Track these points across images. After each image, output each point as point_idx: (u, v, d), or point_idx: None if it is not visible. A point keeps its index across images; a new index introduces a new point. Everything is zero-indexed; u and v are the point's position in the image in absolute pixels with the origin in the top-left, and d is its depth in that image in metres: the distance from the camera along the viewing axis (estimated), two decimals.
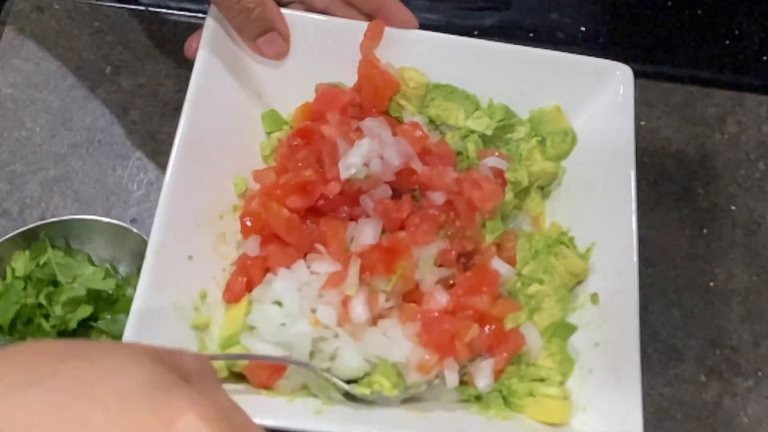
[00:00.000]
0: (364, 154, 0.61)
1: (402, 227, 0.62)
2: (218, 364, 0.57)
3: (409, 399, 0.59)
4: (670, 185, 0.80)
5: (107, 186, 0.75)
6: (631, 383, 0.57)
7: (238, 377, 0.59)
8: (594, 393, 0.59)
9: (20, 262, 0.65)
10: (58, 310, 0.62)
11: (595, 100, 0.68)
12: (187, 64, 0.64)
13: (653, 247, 0.76)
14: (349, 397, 0.58)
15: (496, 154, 0.69)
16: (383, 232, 0.62)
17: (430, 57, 0.68)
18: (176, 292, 0.58)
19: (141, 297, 0.56)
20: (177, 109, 0.63)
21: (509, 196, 0.66)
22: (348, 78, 0.68)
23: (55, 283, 0.64)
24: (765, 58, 0.87)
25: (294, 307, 0.59)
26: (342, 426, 0.54)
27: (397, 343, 0.59)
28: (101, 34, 0.81)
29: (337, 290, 0.59)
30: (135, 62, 0.80)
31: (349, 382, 0.58)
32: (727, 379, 0.72)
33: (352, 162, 0.61)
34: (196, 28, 0.66)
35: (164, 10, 0.83)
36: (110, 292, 0.64)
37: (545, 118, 0.69)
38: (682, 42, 0.87)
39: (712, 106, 0.84)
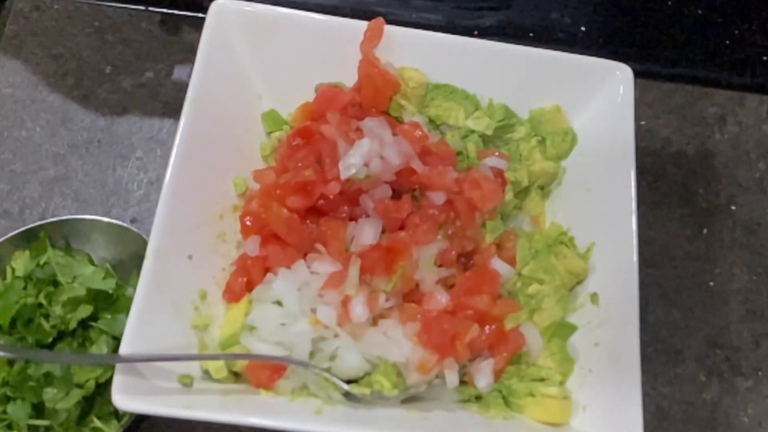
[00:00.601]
0: (364, 154, 0.61)
1: (402, 227, 0.62)
2: (218, 364, 0.57)
3: (409, 399, 0.59)
4: (670, 185, 0.80)
5: (107, 186, 0.75)
6: (631, 383, 0.57)
7: (238, 377, 0.59)
8: (594, 393, 0.59)
9: (20, 262, 0.65)
10: (58, 309, 0.62)
11: (595, 100, 0.68)
12: (188, 64, 0.64)
13: (653, 247, 0.76)
14: (349, 397, 0.58)
15: (496, 154, 0.69)
16: (383, 232, 0.62)
17: (430, 57, 0.68)
18: (176, 292, 0.58)
19: (141, 297, 0.56)
20: (177, 109, 0.63)
21: (509, 196, 0.66)
22: (348, 78, 0.68)
23: (55, 283, 0.64)
24: (765, 58, 0.87)
25: (294, 307, 0.59)
26: (342, 426, 0.54)
27: (397, 343, 0.59)
28: (101, 34, 0.81)
29: (337, 290, 0.59)
30: (135, 62, 0.80)
31: (349, 382, 0.58)
32: (727, 379, 0.72)
33: (352, 162, 0.61)
34: (196, 27, 0.66)
35: (164, 10, 0.83)
36: (110, 292, 0.64)
37: (545, 118, 0.69)
38: (682, 42, 0.87)
39: (712, 106, 0.84)
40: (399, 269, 0.60)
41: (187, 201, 0.60)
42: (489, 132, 0.69)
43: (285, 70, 0.68)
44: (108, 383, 0.57)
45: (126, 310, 0.55)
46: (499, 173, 0.67)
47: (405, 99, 0.68)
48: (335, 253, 0.61)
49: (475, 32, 0.85)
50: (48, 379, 0.60)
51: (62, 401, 0.60)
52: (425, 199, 0.64)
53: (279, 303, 0.60)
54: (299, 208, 0.62)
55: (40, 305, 0.63)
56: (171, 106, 0.78)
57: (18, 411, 0.60)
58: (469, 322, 0.59)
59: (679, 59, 0.87)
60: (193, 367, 0.57)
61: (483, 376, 0.60)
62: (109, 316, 0.63)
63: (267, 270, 0.62)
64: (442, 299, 0.60)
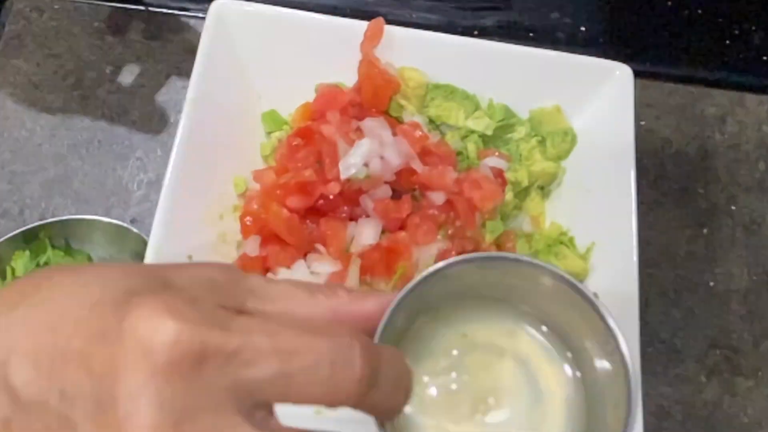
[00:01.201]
0: (364, 154, 0.61)
1: (402, 227, 0.62)
2: None
3: None
4: (670, 185, 0.80)
5: (107, 186, 0.75)
6: None
7: None
8: None
9: (20, 262, 0.65)
10: None
11: (595, 100, 0.68)
12: (188, 64, 0.64)
13: (653, 247, 0.76)
14: None
15: (496, 154, 0.69)
16: (383, 232, 0.62)
17: (430, 57, 0.68)
18: None
19: None
20: (177, 110, 0.63)
21: (509, 196, 0.66)
22: (348, 78, 0.68)
23: None
24: (765, 58, 0.87)
25: None
26: (342, 426, 0.54)
27: None
28: (101, 34, 0.81)
29: None
30: (135, 62, 0.80)
31: None
32: (727, 379, 0.72)
33: (352, 162, 0.61)
34: (196, 27, 0.66)
35: (164, 10, 0.83)
36: None
37: (545, 118, 0.69)
38: (682, 42, 0.87)
39: (712, 106, 0.84)
40: (399, 269, 0.60)
41: (187, 201, 0.60)
42: (489, 132, 0.69)
43: (285, 70, 0.68)
44: None
45: None
46: (499, 173, 0.67)
47: (405, 99, 0.68)
48: (335, 253, 0.61)
49: (475, 32, 0.85)
50: None
51: None
52: (425, 199, 0.64)
53: None
54: (299, 208, 0.62)
55: None
56: (171, 106, 0.78)
57: None
58: None
59: (679, 59, 0.87)
60: None
61: None
62: None
63: (267, 270, 0.62)
64: None
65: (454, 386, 0.39)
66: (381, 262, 0.60)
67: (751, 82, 0.86)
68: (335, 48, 0.68)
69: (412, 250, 0.60)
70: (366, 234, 0.61)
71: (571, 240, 0.66)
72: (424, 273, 0.37)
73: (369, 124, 0.63)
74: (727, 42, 0.88)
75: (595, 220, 0.65)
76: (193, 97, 0.62)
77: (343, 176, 0.61)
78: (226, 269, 0.33)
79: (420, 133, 0.65)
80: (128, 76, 0.79)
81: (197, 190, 0.61)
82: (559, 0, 0.88)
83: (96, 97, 0.78)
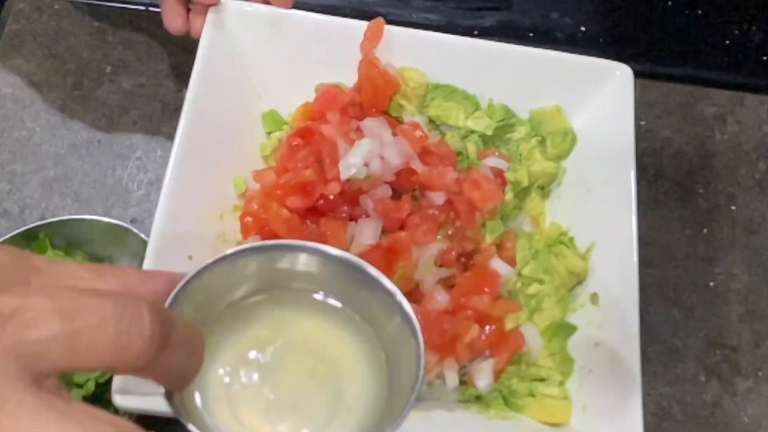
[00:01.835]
0: (364, 154, 0.61)
1: (402, 227, 0.62)
2: None
3: None
4: (670, 185, 0.80)
5: (107, 186, 0.75)
6: (631, 383, 0.57)
7: None
8: (594, 393, 0.59)
9: None
10: None
11: (595, 100, 0.68)
12: (187, 64, 0.64)
13: (653, 247, 0.76)
14: None
15: (496, 154, 0.69)
16: (383, 232, 0.62)
17: (430, 57, 0.68)
18: None
19: None
20: (177, 109, 0.63)
21: (509, 196, 0.66)
22: (348, 78, 0.68)
23: None
24: (765, 58, 0.87)
25: None
26: None
27: None
28: (101, 34, 0.81)
29: None
30: (135, 62, 0.80)
31: None
32: (727, 379, 0.72)
33: (352, 162, 0.61)
34: None
35: None
36: None
37: (545, 118, 0.69)
38: (682, 42, 0.87)
39: (712, 106, 0.84)
40: (399, 269, 0.60)
41: (187, 201, 0.60)
42: (489, 132, 0.69)
43: (285, 70, 0.68)
44: (108, 383, 0.57)
45: None
46: (499, 173, 0.67)
47: (405, 99, 0.68)
48: None
49: (475, 32, 0.85)
50: None
51: None
52: (425, 199, 0.64)
53: None
54: (299, 208, 0.62)
55: None
56: (171, 106, 0.78)
57: None
58: (469, 323, 0.59)
59: (679, 59, 0.87)
60: None
61: (483, 377, 0.60)
62: None
63: None
64: (441, 299, 0.60)
65: (255, 378, 0.38)
66: (381, 262, 0.60)
67: (751, 82, 0.86)
68: (335, 48, 0.68)
69: (412, 250, 0.60)
70: (366, 234, 0.61)
71: (571, 240, 0.66)
72: (218, 256, 0.38)
73: (369, 124, 0.63)
74: (727, 42, 0.88)
75: (595, 220, 0.65)
76: (193, 97, 0.62)
77: (343, 176, 0.61)
78: (10, 251, 0.32)
79: (420, 133, 0.65)
80: (128, 76, 0.79)
81: (197, 190, 0.61)
82: (559, 0, 0.88)
83: (96, 97, 0.78)
